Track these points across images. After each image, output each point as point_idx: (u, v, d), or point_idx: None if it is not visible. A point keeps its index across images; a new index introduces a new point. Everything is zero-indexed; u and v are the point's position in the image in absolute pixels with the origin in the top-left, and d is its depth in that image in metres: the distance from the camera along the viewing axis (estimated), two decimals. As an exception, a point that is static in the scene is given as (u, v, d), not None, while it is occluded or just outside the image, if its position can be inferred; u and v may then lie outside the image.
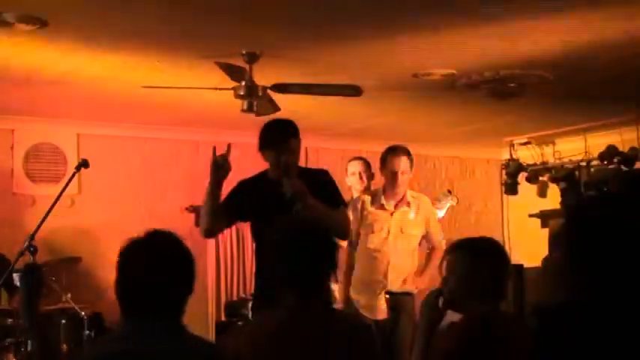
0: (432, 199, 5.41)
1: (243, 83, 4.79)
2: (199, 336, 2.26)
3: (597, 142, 7.02)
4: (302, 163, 4.24)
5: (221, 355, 2.32)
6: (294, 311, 2.54)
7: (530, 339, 2.49)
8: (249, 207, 3.99)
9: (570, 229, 1.88)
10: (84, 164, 3.87)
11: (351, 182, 5.46)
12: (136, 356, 2.14)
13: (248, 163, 7.20)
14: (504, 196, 8.16)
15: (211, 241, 7.04)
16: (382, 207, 4.98)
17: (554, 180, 7.23)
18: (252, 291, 4.20)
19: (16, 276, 4.95)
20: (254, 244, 4.17)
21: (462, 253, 2.71)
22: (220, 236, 7.07)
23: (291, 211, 3.79)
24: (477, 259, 2.69)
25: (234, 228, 7.09)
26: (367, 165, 5.53)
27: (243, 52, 4.66)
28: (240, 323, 6.45)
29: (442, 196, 5.72)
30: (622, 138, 6.85)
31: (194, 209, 7.10)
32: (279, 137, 3.90)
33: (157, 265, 2.22)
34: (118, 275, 2.25)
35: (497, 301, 2.69)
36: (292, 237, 2.62)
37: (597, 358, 1.72)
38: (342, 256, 4.62)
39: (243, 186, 4.14)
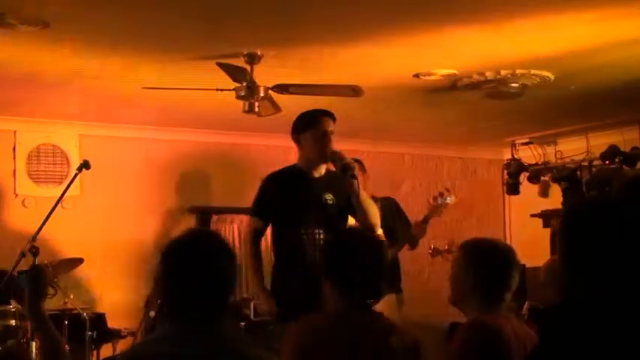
0: (431, 198, 5.51)
1: (245, 84, 4.79)
2: (245, 338, 2.22)
3: (599, 141, 7.02)
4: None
5: (267, 358, 2.28)
6: (346, 313, 2.59)
7: (530, 340, 2.50)
8: (283, 203, 4.00)
9: (567, 230, 1.89)
10: (85, 165, 3.89)
11: None
12: (181, 358, 2.09)
13: (249, 164, 7.23)
14: (506, 196, 8.17)
15: (213, 242, 7.04)
16: None
17: (555, 180, 7.23)
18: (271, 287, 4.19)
19: (21, 277, 4.96)
20: (278, 239, 4.12)
21: (470, 254, 2.73)
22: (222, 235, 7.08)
23: (325, 211, 3.86)
24: (481, 262, 2.70)
25: (235, 228, 7.10)
26: (361, 166, 5.55)
27: (245, 52, 4.67)
28: (242, 324, 6.44)
29: (440, 195, 5.74)
30: (624, 138, 6.85)
31: (195, 210, 7.11)
32: (322, 114, 4.01)
33: (202, 265, 2.15)
34: (162, 277, 2.17)
35: (498, 303, 2.69)
36: (354, 242, 2.68)
37: (595, 359, 1.73)
38: None
39: (275, 183, 4.13)
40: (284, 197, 4.03)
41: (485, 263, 2.71)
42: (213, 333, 2.15)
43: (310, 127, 4.05)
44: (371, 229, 3.99)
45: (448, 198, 5.67)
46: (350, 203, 3.99)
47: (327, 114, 4.11)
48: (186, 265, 2.16)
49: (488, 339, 2.56)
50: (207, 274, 2.15)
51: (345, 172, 3.90)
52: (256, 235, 4.13)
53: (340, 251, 2.71)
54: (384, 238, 4.79)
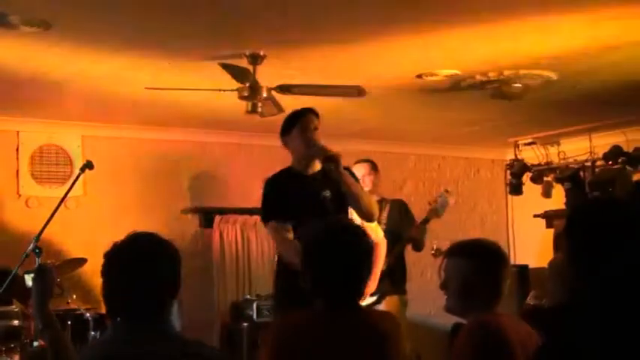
0: (431, 199, 5.52)
1: (247, 84, 4.79)
2: (189, 338, 2.24)
3: (602, 142, 7.02)
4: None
5: (214, 356, 2.30)
6: (323, 315, 2.57)
7: (533, 340, 2.50)
8: (283, 205, 4.00)
9: (572, 230, 1.89)
10: (88, 166, 3.88)
11: None
12: (130, 359, 2.12)
13: (252, 164, 7.24)
14: (509, 196, 8.16)
15: (216, 242, 7.05)
16: None
17: (558, 180, 7.23)
18: (273, 291, 4.18)
19: (27, 277, 4.97)
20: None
21: (462, 257, 2.71)
22: (225, 237, 7.08)
23: (325, 208, 3.85)
24: (476, 264, 2.68)
25: (238, 228, 7.09)
26: (373, 167, 5.55)
27: (247, 53, 4.67)
28: (245, 324, 6.45)
29: (440, 196, 5.73)
30: (627, 138, 6.85)
31: (198, 210, 7.11)
32: (303, 111, 4.00)
33: (140, 267, 2.19)
34: (102, 280, 2.22)
35: (496, 302, 2.69)
36: (326, 241, 2.64)
37: (598, 358, 1.73)
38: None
39: (275, 185, 4.12)
40: (283, 200, 4.04)
41: (482, 263, 2.70)
42: (167, 334, 2.19)
43: (294, 126, 4.07)
44: (368, 219, 3.99)
45: (448, 199, 5.67)
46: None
47: (308, 110, 4.12)
48: (126, 268, 2.20)
49: (490, 338, 2.56)
50: (146, 276, 2.19)
51: (327, 166, 3.91)
52: (282, 234, 4.02)
53: (313, 251, 2.66)
54: (374, 229, 4.59)
